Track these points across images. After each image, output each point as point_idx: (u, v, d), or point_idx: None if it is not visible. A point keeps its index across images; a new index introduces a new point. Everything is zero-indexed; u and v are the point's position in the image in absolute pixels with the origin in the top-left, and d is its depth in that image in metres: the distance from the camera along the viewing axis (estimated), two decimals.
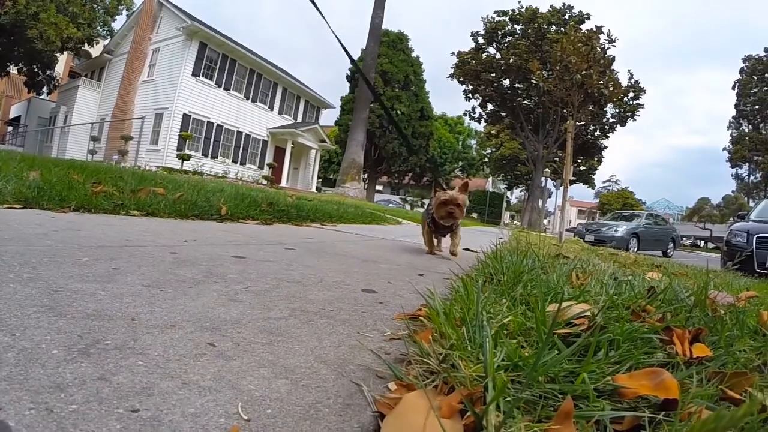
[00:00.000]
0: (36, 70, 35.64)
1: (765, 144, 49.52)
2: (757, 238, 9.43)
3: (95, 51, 37.54)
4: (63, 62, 39.92)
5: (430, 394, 0.91)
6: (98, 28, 36.62)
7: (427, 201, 5.86)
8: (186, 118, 28.56)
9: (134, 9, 35.08)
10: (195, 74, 29.05)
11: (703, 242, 52.50)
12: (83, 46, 36.45)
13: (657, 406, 0.99)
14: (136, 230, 3.13)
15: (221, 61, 31.03)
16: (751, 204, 42.57)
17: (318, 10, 2.46)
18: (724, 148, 57.57)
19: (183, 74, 28.35)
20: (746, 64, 53.07)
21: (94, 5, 35.85)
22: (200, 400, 0.81)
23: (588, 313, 1.65)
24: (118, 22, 36.94)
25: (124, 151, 26.02)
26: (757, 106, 51.92)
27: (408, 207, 46.29)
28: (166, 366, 0.93)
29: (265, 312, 1.48)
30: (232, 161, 32.03)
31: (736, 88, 53.93)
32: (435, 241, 4.66)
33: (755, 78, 51.90)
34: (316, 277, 2.27)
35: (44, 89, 38.12)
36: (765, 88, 51.03)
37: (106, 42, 36.64)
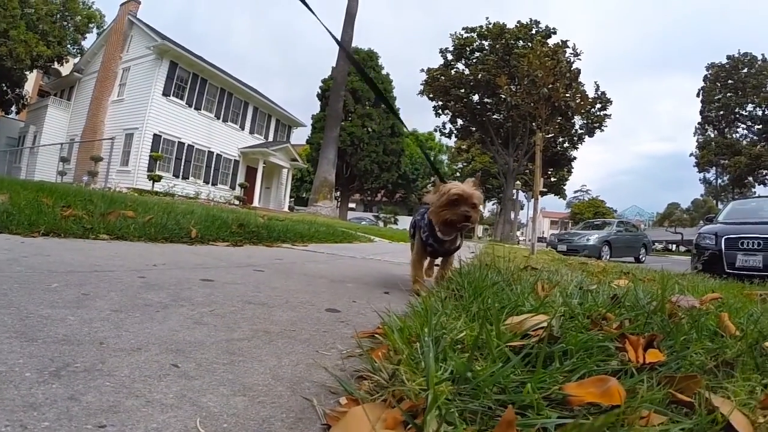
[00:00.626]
0: (5, 88, 35.06)
1: (730, 148, 50.82)
2: (725, 239, 9.66)
3: (65, 69, 37.10)
4: (32, 81, 39.30)
5: (376, 407, 0.99)
6: (68, 46, 36.19)
7: (411, 216, 4.12)
8: (157, 138, 28.26)
9: (105, 27, 34.73)
10: (165, 94, 28.80)
11: (674, 246, 53.36)
12: (53, 65, 36.08)
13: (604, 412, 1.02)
14: (105, 255, 3.17)
15: (192, 80, 30.83)
16: (720, 206, 43.59)
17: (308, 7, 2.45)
18: (692, 154, 58.89)
19: (153, 94, 28.08)
20: (710, 72, 54.58)
21: (65, 23, 35.46)
22: (162, 417, 0.89)
23: (545, 324, 1.75)
24: (89, 41, 36.55)
25: (94, 172, 25.69)
26: (721, 112, 53.36)
27: (381, 224, 46.42)
28: (131, 386, 1.01)
29: (228, 333, 1.55)
30: (204, 182, 31.75)
31: (700, 95, 55.37)
32: (425, 263, 3.38)
33: (719, 84, 53.37)
34: (282, 298, 2.34)
35: (13, 108, 37.40)
36: (729, 94, 52.47)
37: (76, 60, 36.10)
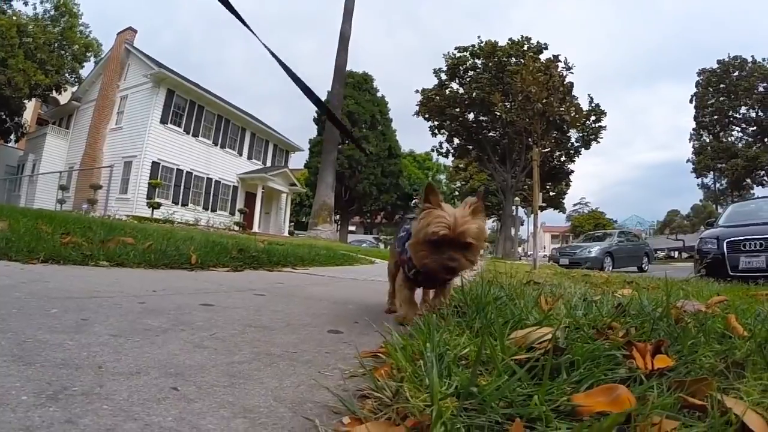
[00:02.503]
0: (4, 117, 35.28)
1: (726, 151, 51.03)
2: (727, 242, 9.68)
3: (63, 98, 37.33)
4: (31, 109, 39.50)
5: (380, 425, 0.97)
6: (66, 74, 36.39)
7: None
8: (155, 165, 28.39)
9: (102, 56, 35.01)
10: (163, 121, 29.00)
11: (677, 253, 53.26)
12: (51, 93, 36.29)
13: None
14: (104, 281, 3.16)
15: (189, 107, 31.04)
16: (719, 210, 43.75)
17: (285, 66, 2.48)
18: (688, 160, 59.02)
19: (151, 121, 28.26)
20: (701, 77, 54.97)
21: (63, 51, 35.72)
22: None
23: (549, 336, 1.74)
24: (86, 69, 36.78)
25: (93, 200, 25.70)
26: (715, 117, 53.67)
27: (382, 246, 46.47)
28: (130, 409, 0.99)
29: (229, 356, 1.53)
30: (203, 208, 31.82)
31: (693, 101, 55.72)
32: (411, 294, 2.44)
33: (711, 89, 53.74)
34: (283, 321, 2.32)
35: (12, 137, 37.58)
36: (721, 98, 52.81)
37: (74, 89, 36.35)
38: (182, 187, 30.53)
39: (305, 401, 1.17)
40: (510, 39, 44.08)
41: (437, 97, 44.40)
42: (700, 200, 74.30)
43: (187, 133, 30.89)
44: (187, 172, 30.81)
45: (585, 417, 1.05)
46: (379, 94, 51.71)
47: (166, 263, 4.72)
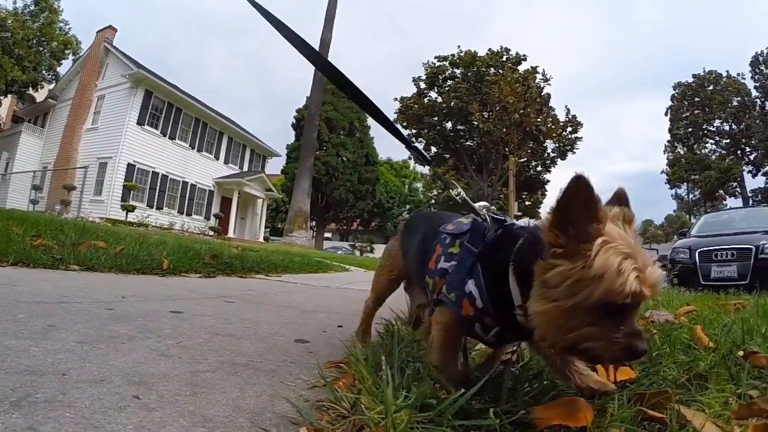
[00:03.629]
0: None
1: (700, 163, 51.92)
2: (699, 252, 9.91)
3: (40, 96, 36.63)
4: (6, 106, 38.69)
5: None
6: (44, 71, 35.66)
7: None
8: (131, 167, 27.98)
9: (81, 54, 34.49)
10: (140, 123, 28.57)
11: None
12: (28, 90, 35.61)
13: None
14: (74, 286, 3.15)
15: (167, 109, 30.66)
16: (692, 221, 44.57)
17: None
18: (663, 171, 59.76)
19: (128, 122, 27.82)
20: (677, 91, 55.95)
21: (41, 48, 35.09)
22: None
23: (512, 348, 1.80)
24: (64, 67, 36.04)
25: (66, 201, 25.29)
26: (690, 129, 54.62)
27: (357, 253, 46.39)
28: (91, 417, 1.02)
29: (193, 365, 1.56)
30: (178, 212, 31.42)
31: (668, 114, 56.69)
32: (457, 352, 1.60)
33: (686, 103, 54.72)
34: (251, 329, 2.35)
35: None
36: (696, 111, 53.78)
37: (51, 87, 35.69)
38: (157, 190, 30.15)
39: (265, 411, 1.21)
40: (489, 49, 44.64)
41: (416, 106, 44.67)
42: (674, 210, 75.37)
43: (164, 135, 30.51)
44: (163, 175, 30.45)
45: (542, 429, 1.11)
46: None
47: (138, 268, 4.69)
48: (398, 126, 34.18)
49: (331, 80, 1.90)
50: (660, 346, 1.91)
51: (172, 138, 30.97)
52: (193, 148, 32.78)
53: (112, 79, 29.71)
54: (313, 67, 23.39)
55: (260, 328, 2.42)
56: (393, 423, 1.04)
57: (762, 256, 9.27)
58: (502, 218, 1.48)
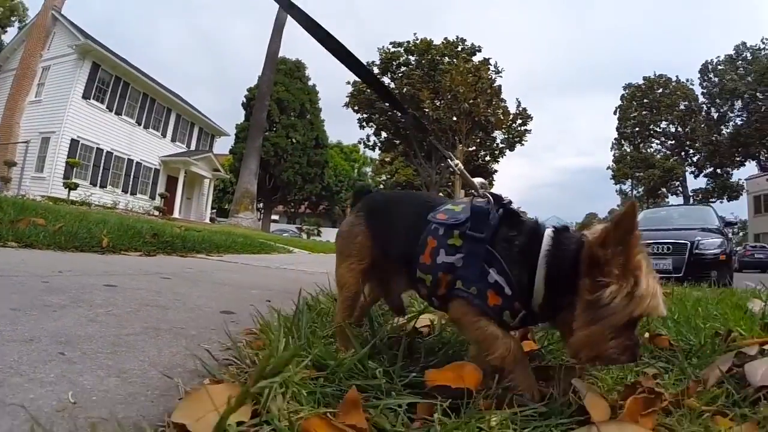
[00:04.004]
0: None
1: (645, 162, 53.86)
2: None
3: None
4: None
5: (230, 386, 1.17)
6: None
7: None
8: (74, 143, 27.18)
9: (27, 21, 33.02)
10: (86, 96, 27.74)
11: None
12: None
13: (457, 394, 1.21)
14: (11, 261, 3.21)
15: (114, 83, 29.84)
16: None
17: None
18: (608, 167, 61.82)
19: (73, 96, 26.97)
20: (627, 91, 57.86)
21: None
22: (41, 390, 1.06)
23: (428, 323, 2.00)
24: (9, 35, 34.66)
25: (6, 178, 24.48)
26: (637, 129, 56.59)
27: (304, 236, 46.35)
28: (18, 368, 1.17)
29: (119, 330, 1.71)
30: (123, 191, 30.75)
31: (617, 113, 58.48)
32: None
33: (635, 103, 56.67)
34: (181, 302, 2.49)
35: None
36: (644, 112, 55.77)
37: None
38: (101, 168, 29.39)
39: (176, 367, 1.37)
40: (445, 38, 45.16)
41: (368, 90, 44.76)
42: (617, 205, 77.75)
43: (110, 110, 29.71)
44: (108, 152, 29.70)
45: (429, 389, 1.26)
46: (310, 83, 51.63)
47: (77, 246, 4.71)
48: (350, 109, 34.22)
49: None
50: None
51: (118, 113, 30.19)
52: (139, 124, 32.05)
53: (58, 49, 28.56)
54: (268, 46, 23.08)
55: (190, 300, 2.56)
56: (282, 375, 1.21)
57: (696, 251, 9.94)
58: (500, 196, 1.51)
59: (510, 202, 1.50)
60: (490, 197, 1.50)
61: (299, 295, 2.03)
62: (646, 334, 2.02)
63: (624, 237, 1.19)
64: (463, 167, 1.79)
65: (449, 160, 1.79)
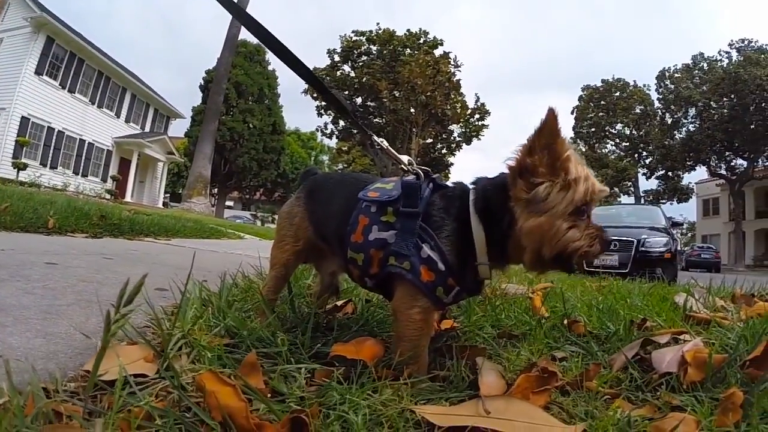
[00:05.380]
0: None
1: (599, 161, 55.03)
2: None
3: None
4: None
5: (142, 347, 1.34)
6: None
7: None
8: (25, 121, 26.40)
9: None
10: (39, 72, 26.90)
11: None
12: None
13: (352, 364, 1.34)
14: None
15: (68, 59, 29.04)
16: None
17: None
18: None
19: (25, 71, 26.13)
20: (584, 93, 59.09)
21: None
22: None
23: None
24: None
25: None
26: (593, 129, 57.90)
27: (259, 223, 46.03)
28: None
29: (52, 300, 1.86)
30: (74, 172, 30.08)
31: (574, 113, 59.65)
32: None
33: (592, 105, 57.91)
34: (118, 279, 2.61)
35: None
36: (600, 114, 57.07)
37: None
38: (52, 148, 28.65)
39: (100, 332, 1.52)
40: (408, 30, 45.44)
41: (327, 78, 44.63)
42: None
43: (63, 88, 28.95)
44: (59, 131, 28.97)
45: (329, 359, 1.44)
46: (270, 68, 51.09)
47: (22, 226, 4.76)
48: (308, 96, 33.99)
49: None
50: (491, 311, 2.33)
51: (71, 91, 29.31)
52: (93, 103, 31.19)
53: (12, 21, 27.38)
54: (228, 28, 22.68)
55: (127, 278, 2.68)
56: (192, 340, 1.40)
57: (642, 249, 10.43)
58: (429, 171, 1.58)
59: (439, 177, 1.57)
60: (420, 172, 1.56)
61: (224, 273, 2.20)
62: (565, 321, 2.19)
63: (549, 141, 1.30)
64: (387, 144, 1.92)
65: (373, 137, 1.89)
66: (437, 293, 1.38)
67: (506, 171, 1.40)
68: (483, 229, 1.39)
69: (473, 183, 1.50)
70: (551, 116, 1.29)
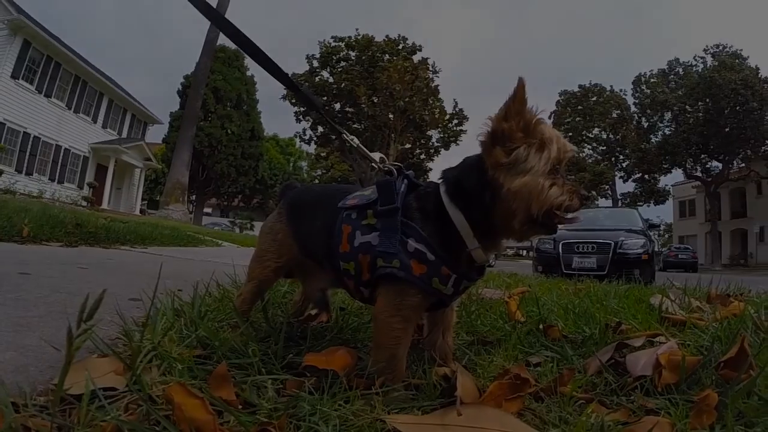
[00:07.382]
0: None
1: (576, 165, 55.51)
2: (562, 244, 11.01)
3: None
4: None
5: (111, 359, 1.34)
6: None
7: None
8: (0, 126, 25.98)
9: None
10: (14, 76, 26.35)
11: (525, 251, 57.24)
12: None
13: (323, 374, 1.33)
14: None
15: (45, 63, 28.48)
16: None
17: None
18: None
19: (1, 75, 25.61)
20: (562, 97, 59.82)
21: None
22: None
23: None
24: None
25: None
26: (570, 134, 58.19)
27: (237, 230, 45.76)
28: None
29: (24, 312, 1.86)
30: (50, 179, 29.53)
31: (552, 118, 60.21)
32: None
33: (569, 109, 58.56)
34: (92, 289, 2.58)
35: None
36: (578, 119, 57.71)
37: None
38: (27, 154, 28.06)
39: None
40: (387, 36, 45.62)
41: (306, 83, 44.54)
42: None
43: (39, 92, 28.38)
44: (35, 136, 28.42)
45: (300, 369, 1.44)
46: (249, 73, 50.86)
47: None
48: (287, 102, 33.80)
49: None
50: (465, 318, 2.34)
51: (47, 96, 28.75)
52: (69, 108, 30.61)
53: None
54: (207, 32, 22.43)
55: (101, 288, 2.66)
56: (162, 352, 1.40)
57: (620, 251, 10.61)
58: (401, 167, 1.61)
59: (412, 174, 1.58)
60: (393, 169, 1.58)
61: (197, 283, 2.20)
62: (541, 325, 2.20)
63: (520, 108, 1.35)
64: (359, 142, 1.95)
65: (344, 135, 1.90)
66: (434, 285, 1.38)
67: (469, 155, 1.48)
68: (462, 214, 1.41)
69: (441, 177, 1.52)
70: (521, 85, 1.34)
